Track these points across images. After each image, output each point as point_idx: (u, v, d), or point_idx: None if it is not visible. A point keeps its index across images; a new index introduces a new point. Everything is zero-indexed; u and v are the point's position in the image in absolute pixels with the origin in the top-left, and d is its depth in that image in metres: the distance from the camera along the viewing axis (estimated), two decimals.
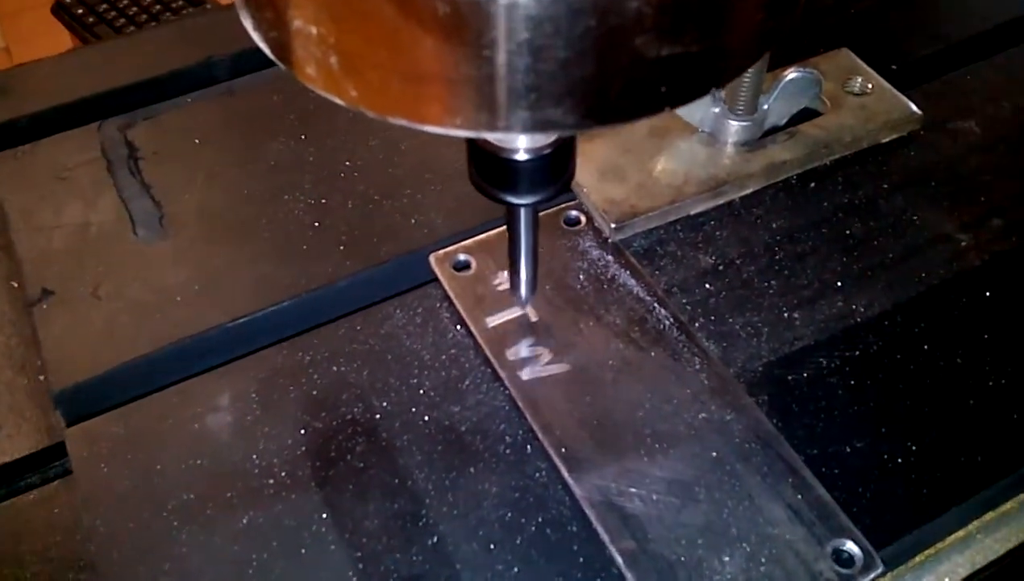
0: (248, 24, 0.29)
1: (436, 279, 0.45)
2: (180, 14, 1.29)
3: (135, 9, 1.31)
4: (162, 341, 0.43)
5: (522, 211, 0.39)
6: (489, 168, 0.36)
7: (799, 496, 0.38)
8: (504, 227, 0.45)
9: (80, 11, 1.32)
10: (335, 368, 0.42)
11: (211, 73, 0.57)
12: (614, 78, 0.25)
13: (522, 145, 0.34)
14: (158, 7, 1.32)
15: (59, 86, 0.56)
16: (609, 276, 0.45)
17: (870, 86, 0.53)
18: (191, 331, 0.43)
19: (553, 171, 0.36)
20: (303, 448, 0.39)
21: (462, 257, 0.46)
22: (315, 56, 0.26)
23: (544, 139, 0.34)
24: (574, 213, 0.48)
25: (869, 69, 0.54)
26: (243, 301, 0.45)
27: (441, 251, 0.46)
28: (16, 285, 0.48)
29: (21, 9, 1.81)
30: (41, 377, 0.44)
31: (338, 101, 0.27)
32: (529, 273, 0.42)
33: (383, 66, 0.26)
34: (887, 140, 0.52)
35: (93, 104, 0.55)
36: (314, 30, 0.26)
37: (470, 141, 0.36)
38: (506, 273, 0.45)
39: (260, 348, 0.43)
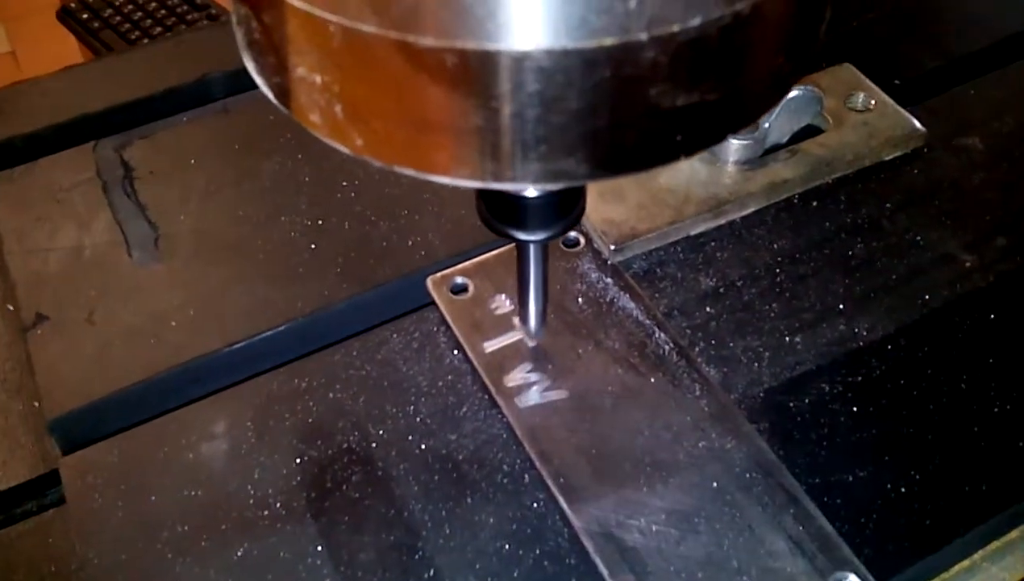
0: (250, 67, 0.28)
1: (434, 302, 0.45)
2: (187, 21, 1.29)
3: (140, 14, 1.31)
4: (157, 368, 0.43)
5: (532, 247, 0.38)
6: (498, 205, 0.35)
7: (800, 527, 0.37)
8: (502, 249, 0.45)
9: (85, 16, 1.32)
10: (331, 395, 0.42)
11: (207, 91, 0.56)
12: (628, 129, 0.24)
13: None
14: (163, 12, 1.32)
15: (54, 105, 0.55)
16: (608, 299, 0.45)
17: (873, 102, 0.52)
18: (186, 357, 0.43)
19: (563, 208, 0.35)
20: (299, 478, 0.39)
21: (460, 280, 0.45)
22: (319, 104, 0.26)
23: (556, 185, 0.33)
24: (573, 234, 0.47)
25: (872, 85, 0.53)
26: (239, 326, 0.44)
27: (439, 274, 0.45)
28: (11, 308, 0.48)
29: (27, 13, 1.82)
30: (36, 403, 0.44)
31: (343, 150, 0.26)
32: (539, 307, 0.41)
33: (389, 116, 0.25)
34: (890, 157, 0.51)
35: (89, 123, 0.54)
36: (318, 79, 0.25)
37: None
38: (503, 296, 0.44)
39: (256, 374, 0.43)
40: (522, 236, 0.35)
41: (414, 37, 0.23)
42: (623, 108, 0.24)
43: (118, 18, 1.31)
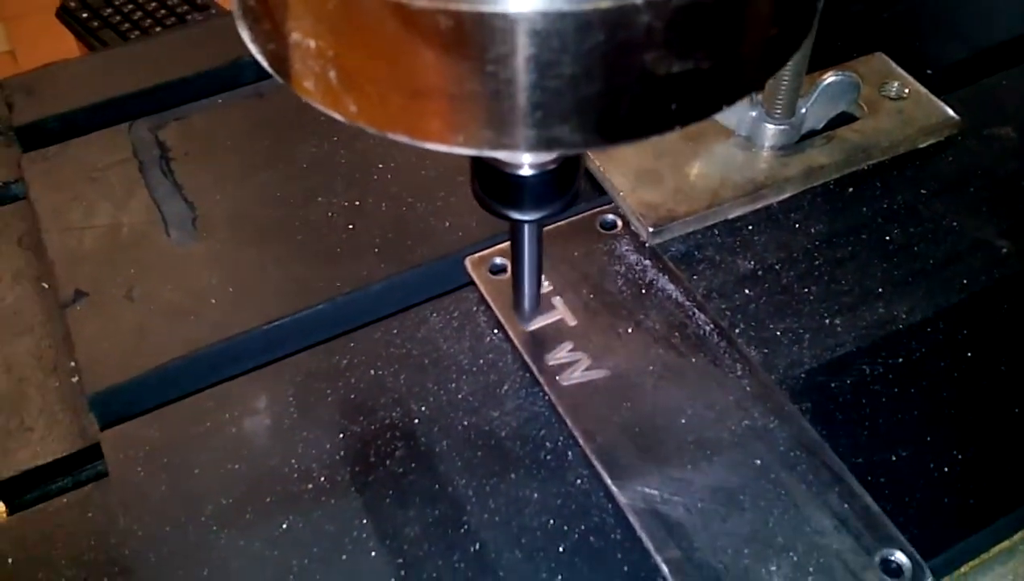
0: (245, 36, 0.27)
1: (472, 282, 0.45)
2: (186, 20, 1.28)
3: (140, 14, 1.31)
4: (197, 344, 0.43)
5: (526, 227, 0.38)
6: (492, 183, 0.35)
7: (845, 505, 0.37)
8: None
9: (85, 15, 1.32)
10: (372, 372, 0.42)
11: (239, 75, 0.56)
12: (623, 95, 0.24)
13: (527, 161, 0.33)
14: (163, 12, 1.31)
15: (88, 86, 0.55)
16: (647, 281, 0.45)
17: (907, 91, 0.52)
18: (226, 334, 0.43)
19: (558, 187, 0.35)
20: (341, 452, 0.39)
21: (498, 260, 0.45)
22: (313, 70, 0.25)
23: (549, 154, 0.33)
24: (610, 217, 0.47)
25: (905, 74, 0.53)
26: (278, 304, 0.44)
27: (476, 254, 0.45)
28: (46, 286, 0.48)
29: (26, 12, 1.81)
30: (74, 379, 0.44)
31: (337, 117, 0.26)
32: (533, 290, 0.41)
33: (383, 81, 0.24)
34: (924, 145, 0.51)
35: (122, 105, 0.54)
36: (312, 44, 0.24)
37: (473, 156, 0.35)
38: (543, 277, 0.44)
39: (295, 351, 0.43)
40: (516, 215, 0.35)
41: None
42: (618, 73, 0.23)
43: (117, 17, 1.31)
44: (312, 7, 0.24)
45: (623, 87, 0.24)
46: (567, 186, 0.35)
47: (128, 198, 0.49)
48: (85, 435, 0.42)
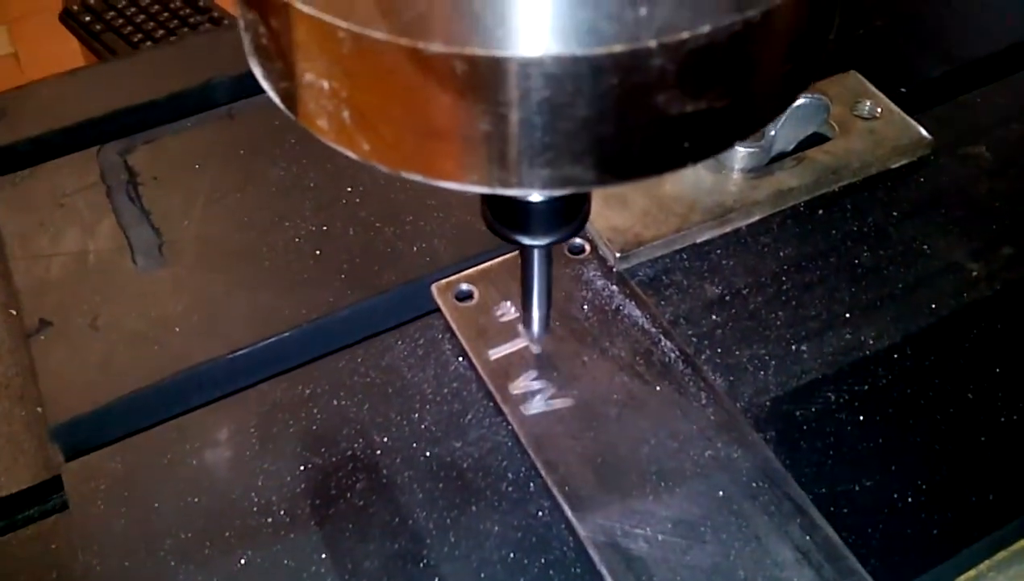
0: (257, 72, 0.28)
1: (438, 309, 0.45)
2: (189, 23, 1.28)
3: (143, 17, 1.31)
4: (161, 374, 0.42)
5: (536, 252, 0.38)
6: (502, 209, 0.35)
7: (807, 537, 0.37)
8: (507, 256, 0.45)
9: (88, 19, 1.32)
10: (335, 402, 0.42)
11: (211, 96, 0.56)
12: (636, 135, 0.24)
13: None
14: (165, 15, 1.31)
15: (58, 109, 0.55)
16: (614, 306, 0.44)
17: (879, 110, 0.52)
18: (190, 363, 0.43)
19: (568, 213, 0.35)
20: (303, 485, 0.39)
21: (464, 286, 0.45)
22: (327, 109, 0.26)
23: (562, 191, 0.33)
24: (578, 241, 0.47)
25: (878, 92, 0.53)
26: (243, 332, 0.44)
27: (443, 281, 0.45)
28: (14, 313, 0.47)
29: (28, 13, 1.82)
30: (39, 408, 0.43)
31: (350, 155, 0.26)
32: (542, 312, 0.41)
33: (397, 122, 0.25)
34: (897, 165, 0.51)
35: (93, 128, 0.54)
36: (326, 84, 0.25)
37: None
38: (508, 303, 0.44)
39: (260, 380, 0.43)
40: (526, 241, 0.35)
41: (423, 43, 0.23)
42: (631, 115, 0.24)
43: (120, 20, 1.31)
44: (326, 49, 0.24)
45: (636, 128, 0.24)
46: (576, 211, 0.35)
47: (95, 224, 0.49)
48: (49, 466, 0.42)
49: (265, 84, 0.28)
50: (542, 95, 0.23)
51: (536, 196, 0.34)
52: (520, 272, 0.39)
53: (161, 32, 1.29)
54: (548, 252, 0.38)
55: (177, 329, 0.44)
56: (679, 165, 0.26)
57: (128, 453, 0.40)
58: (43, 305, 0.45)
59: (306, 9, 0.24)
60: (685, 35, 0.23)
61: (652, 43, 0.22)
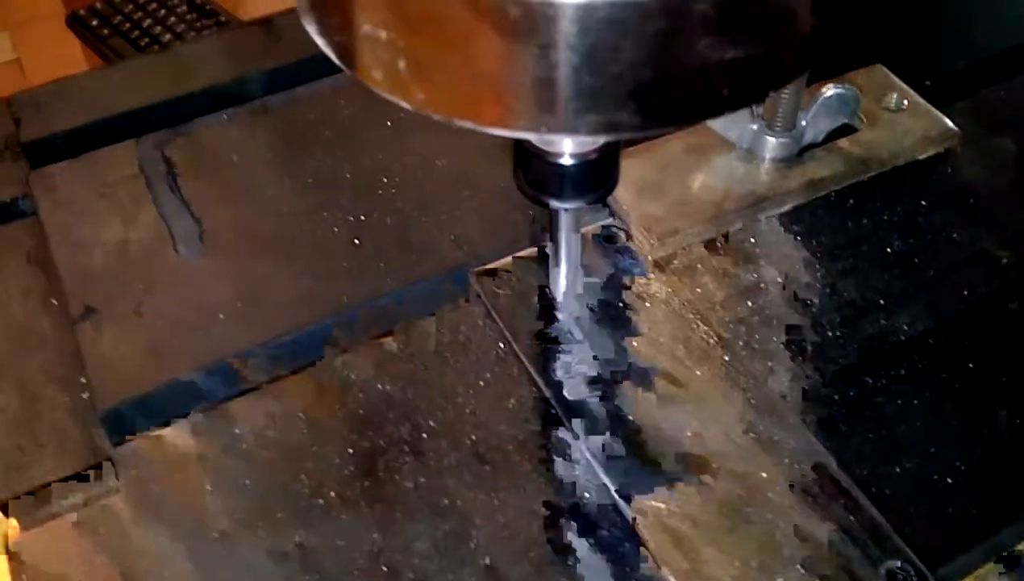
0: (311, 29, 0.29)
1: (478, 296, 0.45)
2: (196, 28, 1.29)
3: (150, 21, 1.31)
4: (207, 359, 0.43)
5: (564, 215, 0.39)
6: (534, 171, 0.36)
7: (851, 517, 0.37)
8: (544, 244, 0.46)
9: (95, 23, 1.33)
10: (379, 386, 0.42)
11: (245, 90, 0.57)
12: (678, 81, 0.26)
13: (567, 149, 0.35)
14: (172, 19, 1.32)
15: (94, 102, 0.56)
16: (651, 293, 0.45)
17: (905, 102, 0.53)
18: (235, 349, 0.43)
19: (596, 177, 0.36)
20: (351, 467, 0.39)
21: (504, 274, 0.46)
22: (382, 60, 0.27)
23: (590, 144, 0.34)
24: (614, 229, 0.48)
25: (904, 85, 0.54)
26: (285, 318, 0.45)
27: (482, 267, 0.46)
28: (56, 302, 0.48)
29: (31, 19, 1.82)
30: (84, 395, 0.44)
31: (404, 104, 0.27)
32: (570, 277, 0.42)
33: (452, 70, 0.26)
34: (924, 156, 0.52)
35: (129, 120, 0.55)
36: (383, 35, 0.26)
37: (517, 145, 0.36)
38: (547, 290, 0.45)
39: (303, 366, 0.43)
40: (556, 203, 0.37)
41: None
42: (674, 60, 0.25)
43: (128, 25, 1.31)
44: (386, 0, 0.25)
45: (679, 73, 0.25)
46: (605, 176, 0.36)
47: (136, 214, 0.49)
48: (97, 452, 0.42)
49: (320, 40, 0.29)
50: (593, 39, 0.24)
51: (567, 158, 0.35)
52: (551, 243, 0.41)
53: (168, 36, 1.30)
54: (576, 216, 0.40)
55: (221, 315, 0.45)
56: (717, 112, 0.28)
57: (178, 437, 0.41)
58: (88, 293, 0.46)
59: None
60: None
61: None
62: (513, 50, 0.25)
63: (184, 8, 1.33)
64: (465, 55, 0.25)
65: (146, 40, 1.30)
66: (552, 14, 0.24)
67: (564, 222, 0.40)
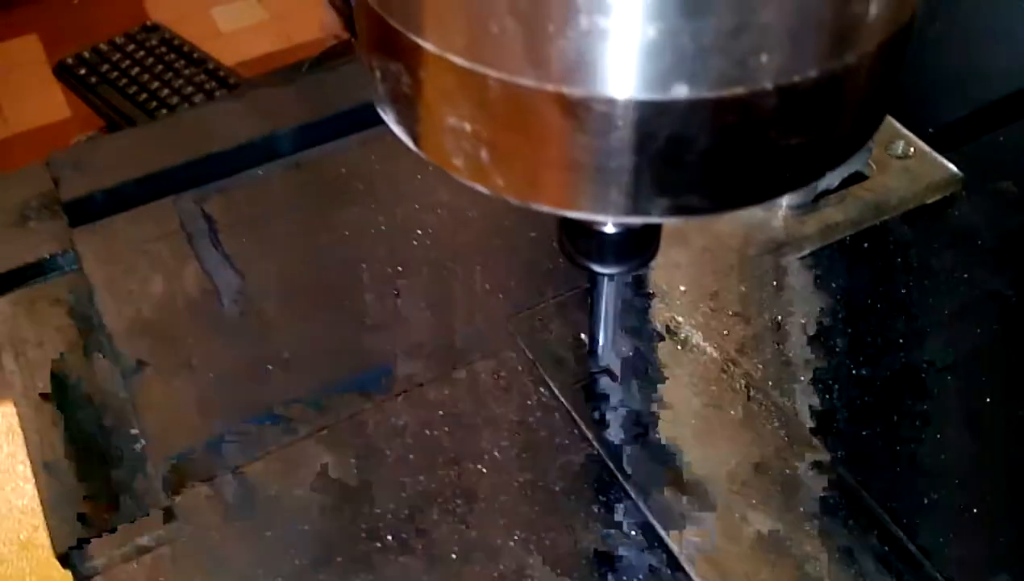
0: (389, 117, 0.31)
1: (517, 343, 0.47)
2: (183, 75, 1.29)
3: (137, 69, 1.32)
4: (258, 409, 0.44)
5: (605, 280, 0.41)
6: (577, 237, 0.38)
7: (885, 548, 0.39)
8: (580, 289, 0.48)
9: (83, 71, 1.34)
10: (428, 432, 0.44)
11: (276, 146, 0.59)
12: (747, 166, 0.28)
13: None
14: (160, 67, 1.32)
15: (130, 161, 0.57)
16: (682, 337, 0.47)
17: (912, 150, 0.56)
18: (285, 399, 0.45)
19: (639, 244, 0.38)
20: (406, 511, 0.41)
21: (541, 320, 0.47)
22: (465, 149, 0.29)
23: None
24: (643, 275, 0.50)
25: (909, 133, 0.57)
26: (333, 368, 0.46)
27: (519, 315, 0.48)
28: (102, 356, 0.49)
29: (12, 66, 1.83)
30: (136, 447, 0.45)
31: (482, 189, 0.29)
32: (609, 338, 0.44)
33: (534, 159, 0.28)
34: (932, 201, 0.54)
35: (165, 178, 0.56)
36: (468, 126, 0.28)
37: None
38: (583, 335, 0.47)
39: (351, 414, 0.45)
40: (598, 268, 0.38)
41: (568, 89, 0.26)
42: (745, 148, 0.27)
43: (115, 73, 1.33)
44: (473, 96, 0.27)
45: (748, 159, 0.27)
46: (647, 244, 0.38)
47: (180, 269, 0.51)
48: (154, 502, 0.43)
49: (397, 128, 0.31)
50: (671, 132, 0.26)
51: (610, 226, 0.36)
52: (589, 301, 0.42)
53: (156, 84, 1.30)
54: (617, 282, 0.41)
55: (269, 367, 0.46)
56: (782, 192, 0.30)
57: (234, 486, 0.42)
58: (138, 347, 0.47)
59: (460, 61, 0.27)
60: (796, 78, 0.26)
61: (769, 85, 0.26)
62: (594, 143, 0.27)
63: (172, 56, 1.35)
64: (548, 147, 0.27)
65: (134, 88, 1.31)
66: (634, 111, 0.26)
67: (606, 287, 0.41)
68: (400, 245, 0.52)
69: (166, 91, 1.26)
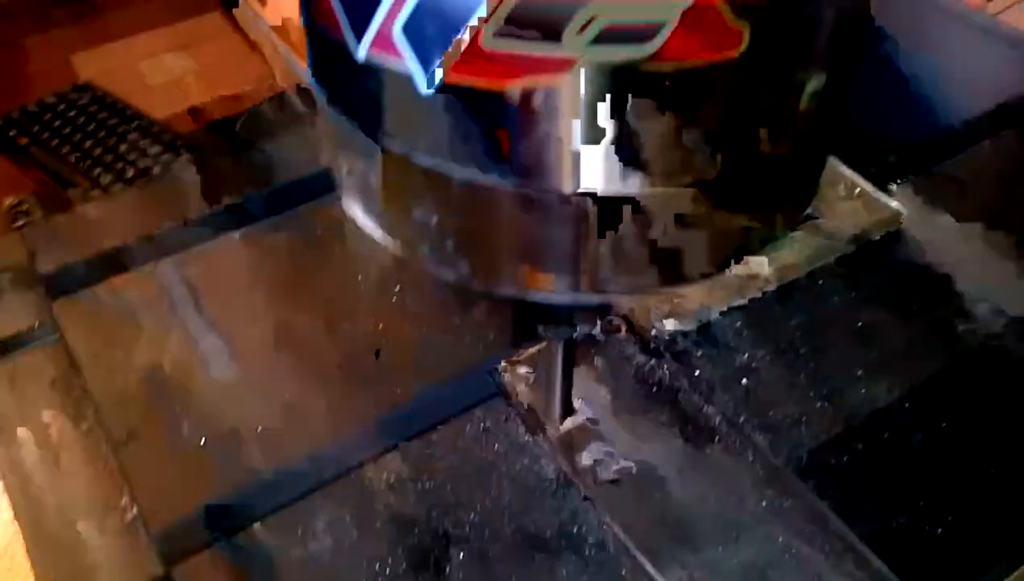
0: (356, 210, 0.33)
1: (500, 392, 0.49)
2: (118, 133, 1.27)
3: (69, 129, 1.30)
4: (252, 474, 0.45)
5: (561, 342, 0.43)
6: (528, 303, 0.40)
7: (862, 572, 0.42)
8: (560, 338, 0.50)
9: (12, 132, 1.32)
10: (419, 486, 0.45)
11: (252, 210, 0.60)
12: (689, 252, 0.31)
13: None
14: (92, 125, 1.30)
15: (106, 230, 0.58)
16: (657, 378, 0.49)
17: (856, 190, 0.59)
18: (278, 462, 0.46)
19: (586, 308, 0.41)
20: (403, 565, 0.42)
21: (523, 369, 0.49)
22: (431, 239, 0.31)
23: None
24: (616, 321, 0.52)
25: (853, 174, 0.60)
26: (323, 428, 0.47)
27: (502, 364, 0.50)
28: (87, 427, 0.50)
29: None
30: (128, 516, 0.46)
31: (448, 278, 0.32)
32: (564, 394, 0.46)
33: (498, 248, 0.31)
34: (878, 237, 0.58)
35: (143, 246, 0.57)
36: (434, 219, 0.30)
37: None
38: (563, 385, 0.49)
39: (345, 472, 0.46)
40: (551, 333, 0.41)
41: (529, 187, 0.29)
42: (683, 235, 0.31)
43: (46, 134, 1.31)
44: (439, 193, 0.29)
45: (688, 246, 0.30)
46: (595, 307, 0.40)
47: (164, 337, 0.52)
48: (151, 572, 0.44)
49: (365, 219, 0.34)
50: (615, 227, 0.29)
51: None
52: (563, 353, 0.45)
53: (89, 143, 1.29)
54: (571, 343, 0.44)
55: (259, 429, 0.47)
56: (721, 269, 0.34)
57: (232, 550, 0.43)
58: (127, 417, 0.48)
59: (427, 162, 0.29)
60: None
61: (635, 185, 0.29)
62: (548, 234, 0.30)
63: (104, 114, 1.32)
64: (512, 237, 0.30)
65: (67, 148, 1.29)
66: (586, 205, 0.29)
67: (560, 348, 0.44)
68: (377, 303, 0.54)
69: (99, 150, 1.25)
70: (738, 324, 0.53)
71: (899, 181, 0.61)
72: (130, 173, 1.08)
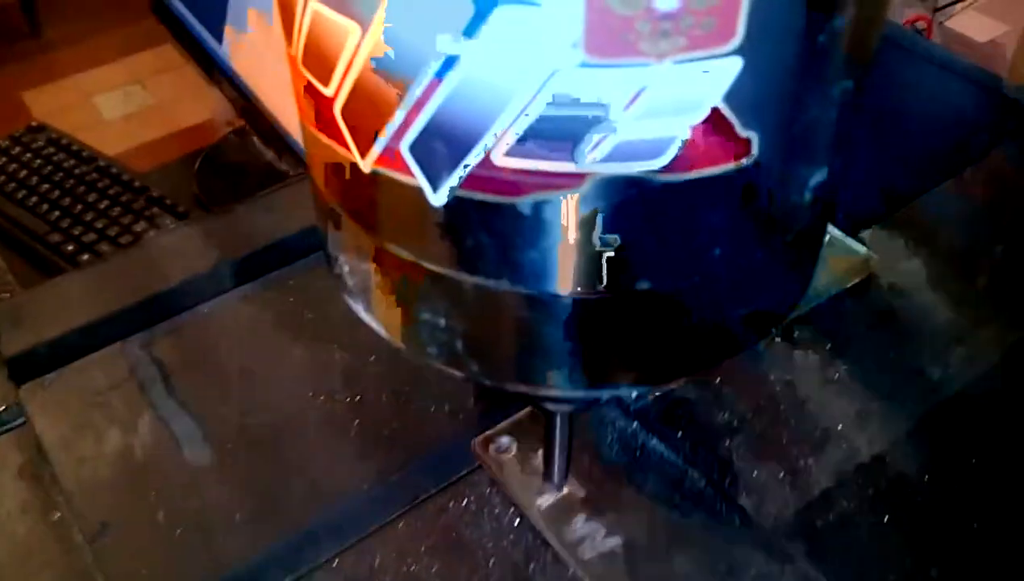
0: (359, 308, 0.33)
1: (481, 465, 0.48)
2: (73, 173, 1.24)
3: (25, 173, 1.26)
4: (230, 561, 0.44)
5: (558, 416, 0.43)
6: None
7: None
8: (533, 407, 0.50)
9: None
10: (404, 568, 0.44)
11: (221, 280, 0.59)
12: (667, 354, 0.32)
13: None
14: (49, 168, 1.26)
15: (72, 309, 0.57)
16: (639, 444, 0.49)
17: (827, 237, 0.60)
18: (257, 548, 0.45)
19: None
20: None
21: (503, 440, 0.49)
22: (440, 340, 0.31)
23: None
24: None
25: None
26: (301, 510, 0.46)
27: (481, 436, 0.49)
28: (58, 517, 0.48)
29: None
30: None
31: (456, 374, 0.31)
32: (563, 464, 0.46)
33: (505, 347, 0.31)
34: (851, 284, 0.58)
35: (110, 324, 0.56)
36: (443, 322, 0.30)
37: None
38: (545, 455, 0.48)
39: (327, 557, 0.45)
40: (550, 406, 0.41)
41: (534, 290, 0.29)
42: (661, 341, 0.32)
43: (1, 178, 1.28)
44: (450, 297, 0.29)
45: (665, 348, 0.31)
46: None
47: (135, 420, 0.51)
48: None
49: (367, 317, 0.33)
50: (598, 330, 0.30)
51: None
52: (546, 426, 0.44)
53: (47, 186, 1.26)
54: (570, 416, 0.43)
55: (237, 516, 0.46)
56: (693, 371, 0.35)
57: None
58: (99, 507, 0.47)
59: (437, 269, 0.29)
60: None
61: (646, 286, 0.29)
62: (563, 331, 0.30)
63: (61, 156, 1.29)
64: (516, 337, 0.30)
65: (23, 192, 1.26)
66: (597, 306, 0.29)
67: (557, 422, 0.43)
68: (355, 375, 0.53)
69: (57, 192, 1.22)
70: (716, 383, 0.53)
71: (869, 227, 0.62)
72: (89, 217, 1.07)
